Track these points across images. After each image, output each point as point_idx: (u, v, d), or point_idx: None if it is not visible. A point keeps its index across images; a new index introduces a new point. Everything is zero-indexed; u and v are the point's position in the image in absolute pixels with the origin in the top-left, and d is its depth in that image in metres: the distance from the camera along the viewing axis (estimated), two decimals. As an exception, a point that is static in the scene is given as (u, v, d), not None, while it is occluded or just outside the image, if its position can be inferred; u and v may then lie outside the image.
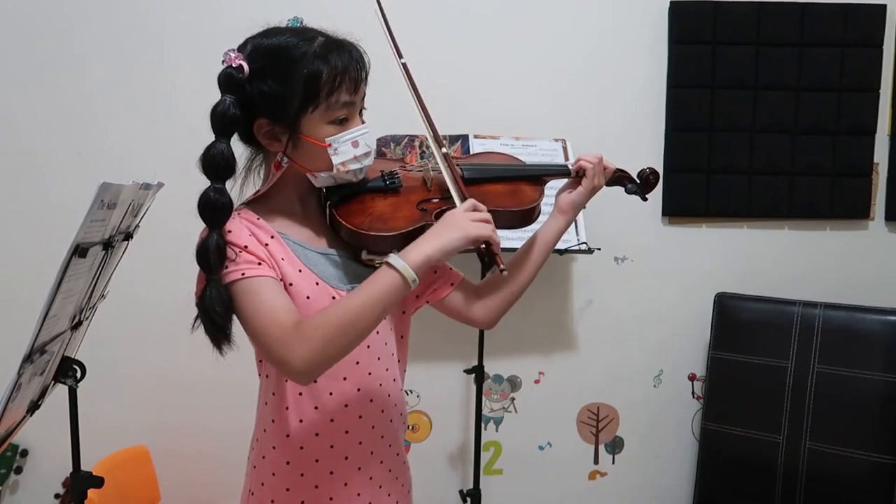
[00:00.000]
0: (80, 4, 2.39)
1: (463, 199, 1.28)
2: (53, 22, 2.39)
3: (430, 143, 1.33)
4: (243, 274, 1.17)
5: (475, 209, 1.25)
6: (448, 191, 1.31)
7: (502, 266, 1.22)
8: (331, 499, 1.29)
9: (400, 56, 1.32)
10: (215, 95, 1.19)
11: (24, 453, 2.42)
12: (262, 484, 1.31)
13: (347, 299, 1.18)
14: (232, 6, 2.35)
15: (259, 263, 1.19)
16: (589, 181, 1.42)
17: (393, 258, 1.17)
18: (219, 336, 1.17)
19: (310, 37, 1.21)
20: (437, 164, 1.35)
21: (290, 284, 1.22)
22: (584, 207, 1.46)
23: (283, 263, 1.22)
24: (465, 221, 1.21)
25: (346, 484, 1.30)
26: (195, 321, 1.19)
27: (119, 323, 2.28)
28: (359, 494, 1.31)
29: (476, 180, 1.37)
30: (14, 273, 2.39)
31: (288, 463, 1.29)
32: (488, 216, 1.24)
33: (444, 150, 1.32)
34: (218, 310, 1.15)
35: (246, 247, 1.19)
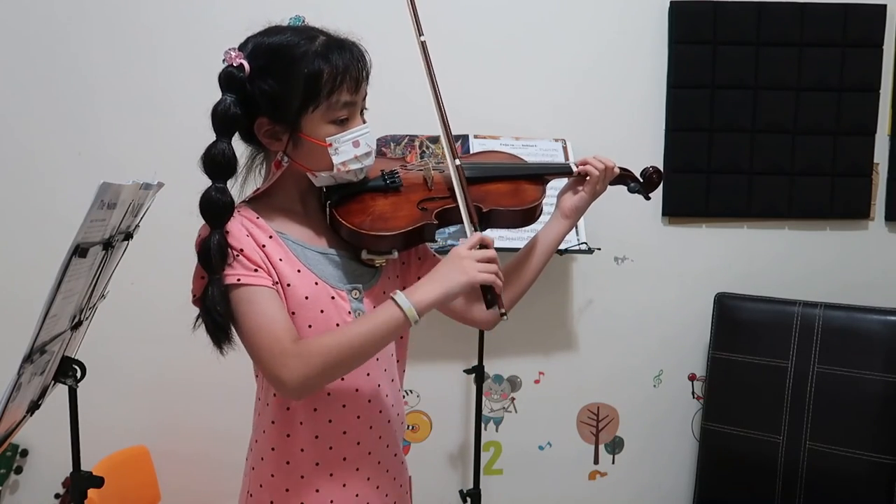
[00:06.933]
0: (78, 4, 2.39)
1: (474, 227, 1.27)
2: (52, 22, 2.39)
3: (447, 155, 1.32)
4: (239, 280, 1.18)
5: (482, 244, 1.23)
6: (450, 189, 1.31)
7: (503, 310, 1.22)
8: (331, 501, 1.29)
9: (420, 34, 1.31)
10: (215, 95, 1.19)
11: (24, 453, 2.42)
12: (261, 485, 1.31)
13: (350, 329, 1.19)
14: (231, 6, 2.35)
15: (255, 270, 1.19)
16: (592, 186, 1.42)
17: (399, 297, 1.17)
18: (220, 336, 1.18)
19: (311, 36, 1.21)
20: (437, 164, 1.35)
21: (289, 285, 1.22)
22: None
23: (281, 264, 1.22)
24: (470, 265, 1.20)
25: (344, 485, 1.30)
26: (196, 320, 1.20)
27: (119, 323, 2.28)
28: (357, 495, 1.31)
29: (477, 179, 1.37)
30: (14, 273, 2.39)
31: (288, 463, 1.29)
32: (494, 255, 1.22)
33: (457, 161, 1.31)
34: (219, 309, 1.16)
35: (242, 250, 1.19)
